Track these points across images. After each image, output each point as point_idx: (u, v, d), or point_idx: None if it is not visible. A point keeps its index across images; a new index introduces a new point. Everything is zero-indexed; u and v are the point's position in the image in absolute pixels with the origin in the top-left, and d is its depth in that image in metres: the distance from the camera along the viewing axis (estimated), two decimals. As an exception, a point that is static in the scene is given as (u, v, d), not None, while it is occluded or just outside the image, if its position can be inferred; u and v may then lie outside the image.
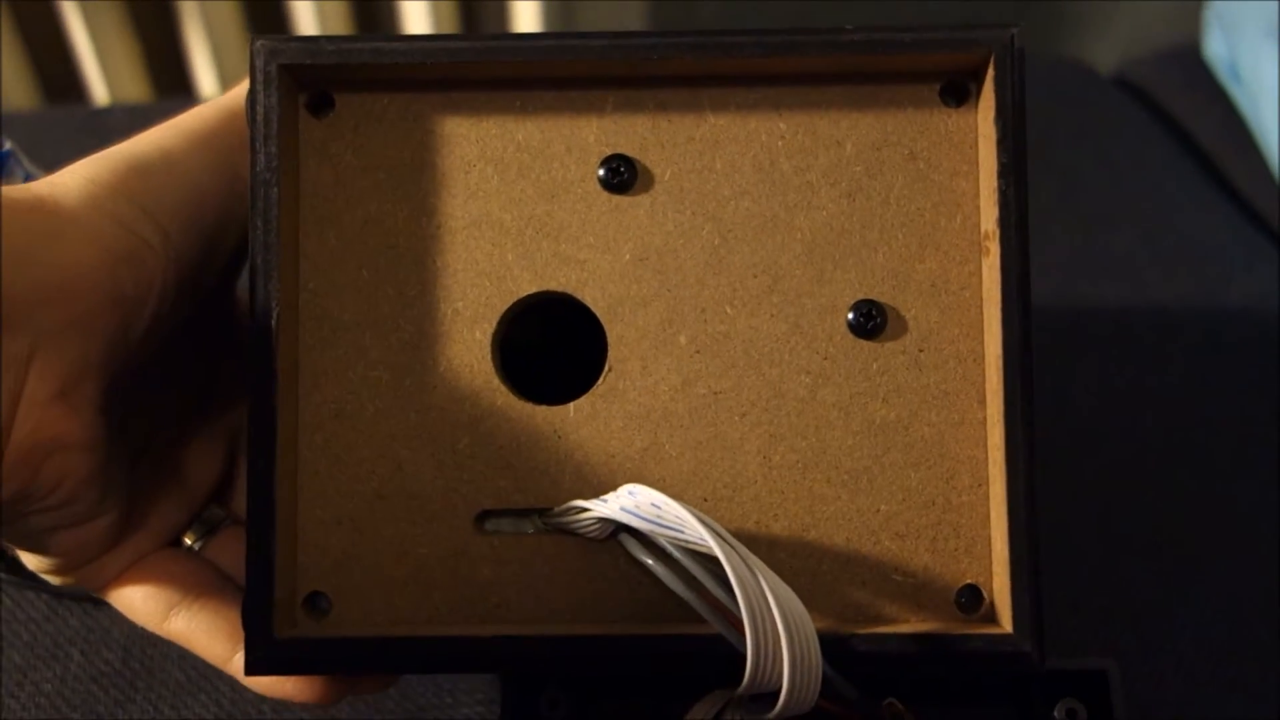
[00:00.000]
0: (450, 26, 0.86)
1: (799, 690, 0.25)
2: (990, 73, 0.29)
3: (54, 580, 0.32)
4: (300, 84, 0.30)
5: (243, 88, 0.31)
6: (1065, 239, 0.62)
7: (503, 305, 0.30)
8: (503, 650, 0.28)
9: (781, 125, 0.30)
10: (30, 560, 0.31)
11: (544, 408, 0.30)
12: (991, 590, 0.29)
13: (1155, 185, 0.66)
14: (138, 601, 0.32)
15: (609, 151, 0.30)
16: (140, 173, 0.29)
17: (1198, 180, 0.66)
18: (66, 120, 0.67)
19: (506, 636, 0.28)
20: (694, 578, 0.26)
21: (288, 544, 0.29)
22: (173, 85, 0.89)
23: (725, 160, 0.30)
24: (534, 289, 0.30)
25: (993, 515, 0.29)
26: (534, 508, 0.30)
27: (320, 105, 0.31)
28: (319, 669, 0.29)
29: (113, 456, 0.30)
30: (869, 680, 0.27)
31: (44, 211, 0.28)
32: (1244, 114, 0.68)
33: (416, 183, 0.30)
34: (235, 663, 0.32)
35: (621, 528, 0.28)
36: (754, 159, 0.30)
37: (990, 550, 0.29)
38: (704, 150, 0.30)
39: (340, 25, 0.85)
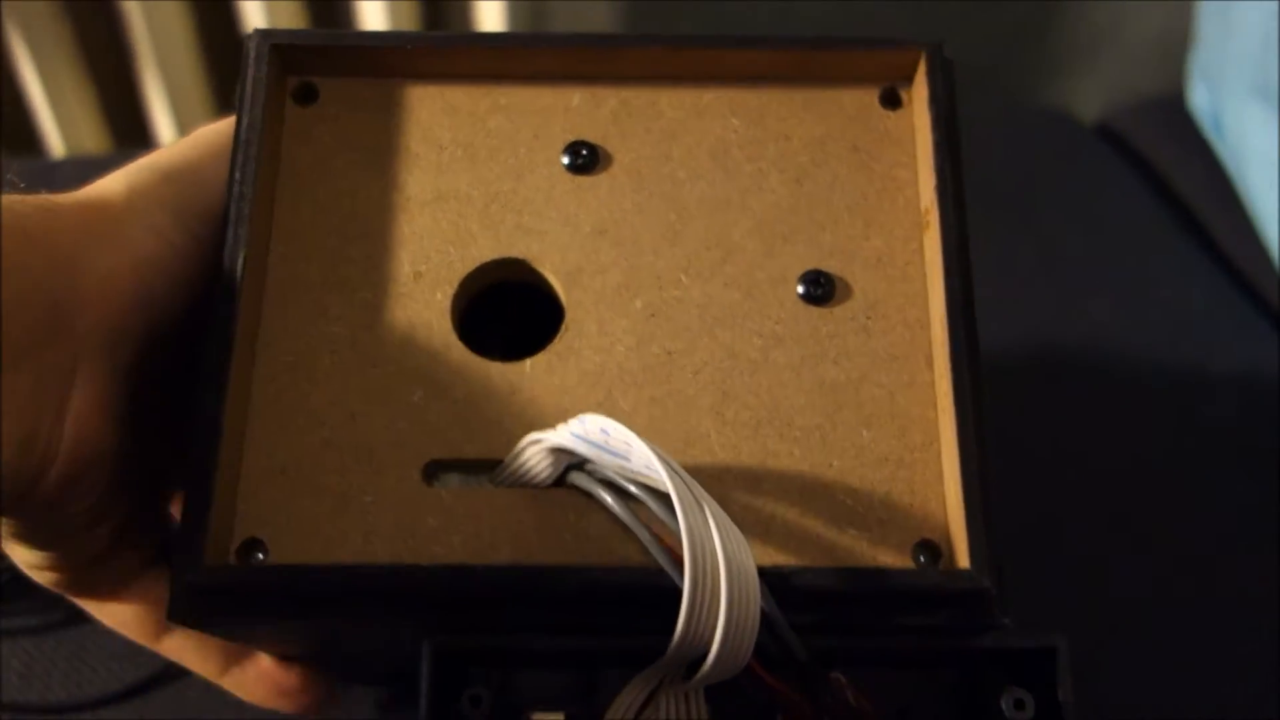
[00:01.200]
0: (411, 27, 0.90)
1: (736, 628, 0.25)
2: (922, 69, 0.34)
3: (42, 579, 0.33)
4: (288, 67, 0.34)
5: None
6: (1043, 299, 0.65)
7: (464, 270, 0.33)
8: (437, 580, 0.28)
9: (734, 121, 0.34)
10: (21, 555, 0.32)
11: (500, 364, 0.32)
12: (950, 546, 0.30)
13: (1136, 242, 0.68)
14: (130, 619, 0.34)
15: (573, 139, 0.34)
16: (170, 180, 0.32)
17: (1180, 237, 0.69)
18: (22, 172, 0.70)
19: (442, 565, 0.29)
20: (637, 501, 0.27)
21: (227, 491, 0.29)
22: (131, 136, 0.93)
23: (681, 149, 0.34)
24: (495, 255, 0.33)
25: (945, 470, 0.30)
26: (485, 458, 0.30)
27: (305, 95, 0.34)
28: (245, 607, 0.29)
29: (133, 464, 0.31)
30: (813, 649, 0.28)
31: (92, 216, 0.30)
32: (1228, 169, 0.72)
33: (389, 161, 0.34)
34: (229, 678, 0.34)
35: (570, 466, 0.29)
36: (708, 149, 0.34)
37: (945, 508, 0.30)
38: (661, 140, 0.34)
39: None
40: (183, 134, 0.88)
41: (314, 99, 0.34)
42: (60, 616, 0.48)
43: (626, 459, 0.27)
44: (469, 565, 0.29)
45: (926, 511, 0.31)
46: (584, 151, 0.34)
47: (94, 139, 0.90)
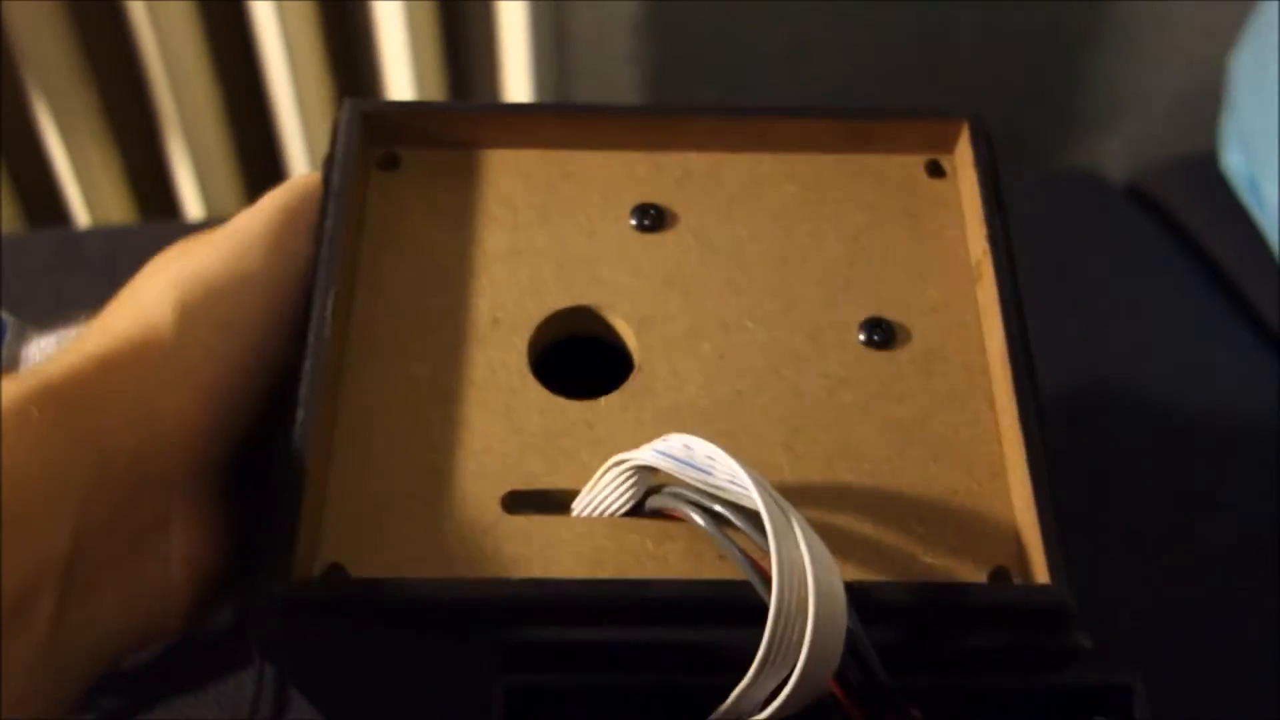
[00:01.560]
0: (439, 96, 0.92)
1: (822, 645, 0.25)
2: (965, 136, 0.36)
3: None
4: (373, 138, 0.37)
5: (291, 183, 0.35)
6: (1073, 363, 0.66)
7: (540, 316, 0.35)
8: (516, 593, 0.29)
9: (791, 187, 0.37)
10: None
11: (576, 402, 0.33)
12: (1026, 571, 0.30)
13: (1169, 305, 0.70)
14: None
15: (641, 201, 0.37)
16: (216, 294, 0.31)
17: (1214, 299, 0.70)
18: (49, 242, 0.71)
19: (521, 580, 0.29)
20: (722, 518, 0.28)
21: (312, 521, 0.30)
22: (158, 205, 0.94)
23: (743, 210, 0.37)
24: (569, 304, 0.35)
25: (1016, 498, 0.31)
26: (564, 488, 0.31)
27: (388, 163, 0.37)
28: (325, 620, 0.29)
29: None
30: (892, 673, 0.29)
31: (150, 359, 0.29)
32: (1264, 233, 0.73)
33: (467, 220, 0.36)
34: None
35: (650, 491, 0.30)
36: (768, 210, 0.37)
37: (1018, 535, 0.31)
38: (723, 202, 0.37)
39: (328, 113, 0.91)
40: (209, 205, 0.91)
41: (396, 166, 0.37)
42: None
43: (710, 473, 0.28)
44: (547, 579, 0.30)
45: (999, 539, 0.31)
46: (651, 212, 0.36)
47: (120, 208, 0.92)
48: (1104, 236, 0.73)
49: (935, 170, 0.37)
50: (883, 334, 0.34)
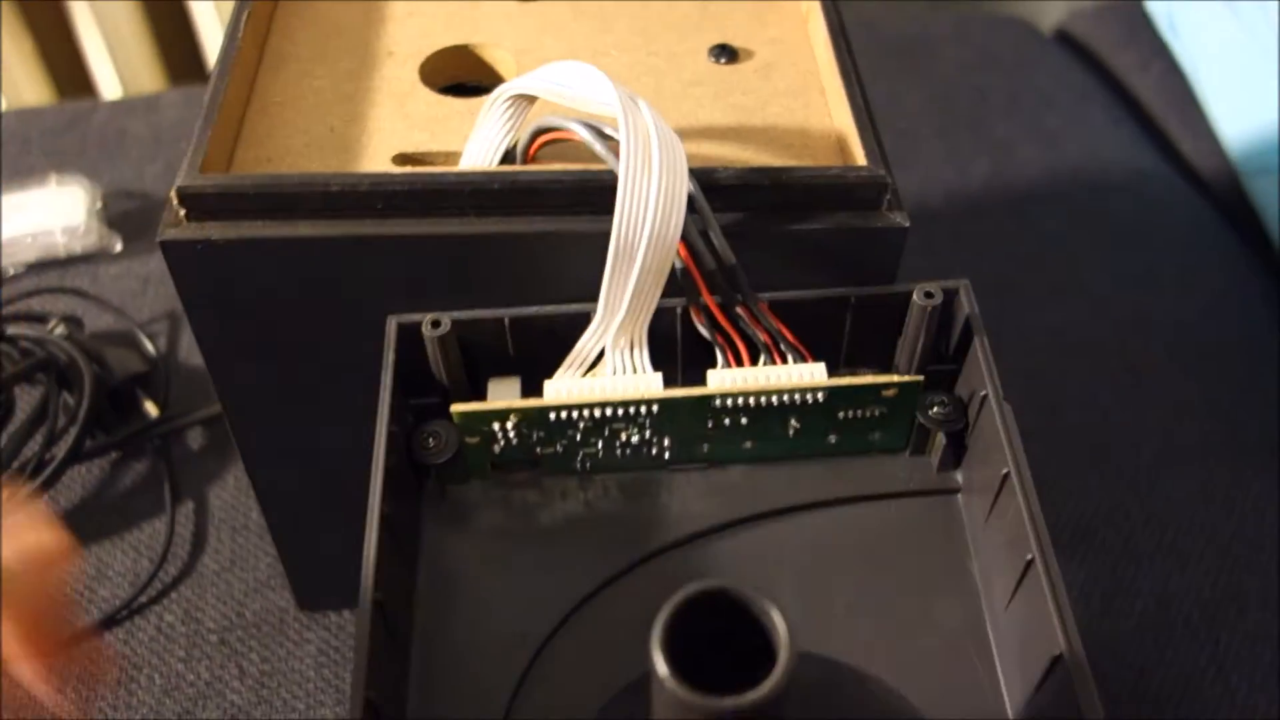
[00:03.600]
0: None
1: (668, 197, 0.30)
2: None
3: None
4: None
5: None
6: (998, 213, 0.70)
7: (430, 50, 0.40)
8: (410, 181, 0.33)
9: None
10: None
11: (461, 99, 0.38)
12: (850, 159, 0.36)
13: (1093, 151, 0.74)
14: None
15: None
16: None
17: (1139, 144, 0.75)
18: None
19: (403, 172, 0.34)
20: (592, 127, 0.32)
21: (225, 137, 0.35)
22: (74, 87, 0.97)
23: None
24: (455, 42, 0.41)
25: (838, 121, 0.38)
26: (448, 151, 0.36)
27: None
28: (231, 205, 0.33)
29: None
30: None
31: None
32: (1185, 71, 0.77)
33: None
34: None
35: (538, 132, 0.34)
36: None
37: (841, 139, 0.37)
38: None
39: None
40: (124, 84, 0.94)
41: None
42: None
43: (572, 88, 0.32)
44: (424, 171, 0.34)
45: (827, 146, 0.37)
46: None
47: (35, 90, 0.94)
48: (1030, 87, 0.77)
49: None
50: (729, 55, 0.41)
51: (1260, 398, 0.58)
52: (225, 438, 0.56)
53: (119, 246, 0.65)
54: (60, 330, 0.57)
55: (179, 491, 0.54)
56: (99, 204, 0.66)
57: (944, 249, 0.64)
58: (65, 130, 0.73)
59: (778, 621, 0.23)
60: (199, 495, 0.54)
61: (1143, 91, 0.78)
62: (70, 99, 0.95)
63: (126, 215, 0.67)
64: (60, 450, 0.52)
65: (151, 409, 0.56)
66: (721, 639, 0.24)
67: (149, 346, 0.59)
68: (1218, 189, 0.72)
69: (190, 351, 0.60)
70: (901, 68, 0.78)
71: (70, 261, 0.64)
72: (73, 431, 0.52)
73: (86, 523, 0.53)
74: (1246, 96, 0.72)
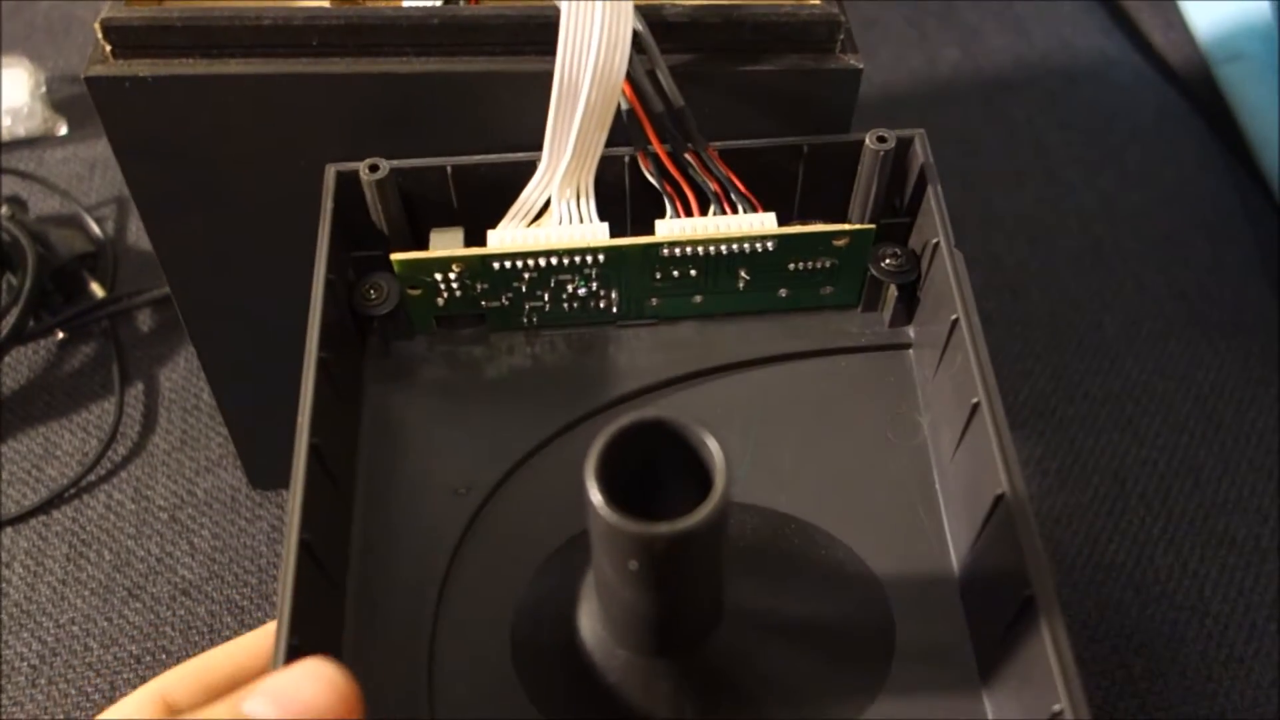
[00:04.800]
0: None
1: (612, 32, 0.28)
2: None
3: None
4: None
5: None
6: (967, 99, 0.69)
7: None
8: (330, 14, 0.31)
9: None
10: None
11: None
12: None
13: (1063, 40, 0.73)
14: None
15: None
16: None
17: (1108, 33, 0.74)
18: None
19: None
20: None
21: None
22: None
23: None
24: None
25: None
26: None
27: None
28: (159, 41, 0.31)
29: None
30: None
31: None
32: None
33: None
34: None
35: None
36: None
37: None
38: None
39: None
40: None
41: None
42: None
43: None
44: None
45: None
46: None
47: None
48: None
49: None
50: None
51: (1220, 279, 0.58)
52: (175, 321, 0.55)
53: (64, 130, 0.63)
54: (4, 211, 0.55)
55: (128, 372, 0.53)
56: (42, 87, 0.64)
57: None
58: (9, 16, 0.71)
59: (714, 450, 0.23)
60: (149, 377, 0.53)
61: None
62: None
63: (72, 100, 0.65)
64: (3, 330, 0.51)
65: (98, 290, 0.55)
66: (657, 476, 0.24)
67: (95, 229, 0.58)
68: (1186, 78, 0.71)
69: (138, 235, 0.59)
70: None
71: (14, 145, 0.63)
72: (14, 311, 0.51)
73: (33, 402, 0.52)
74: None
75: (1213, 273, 0.58)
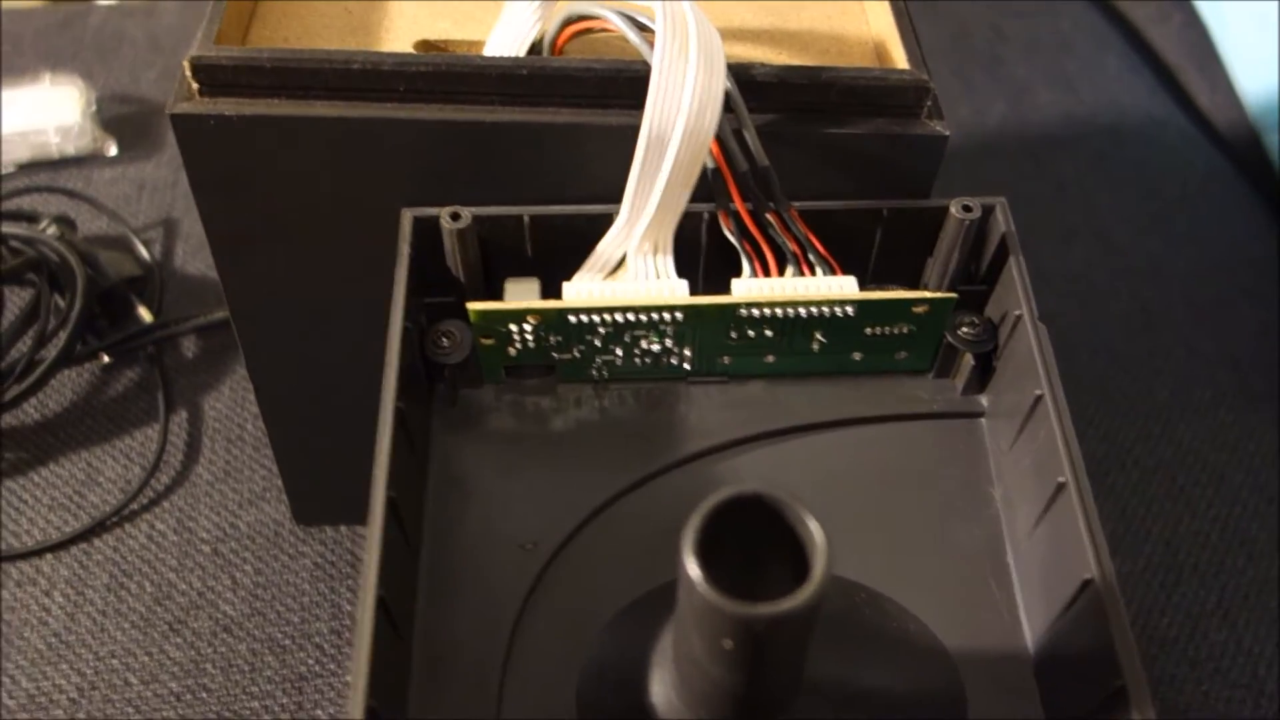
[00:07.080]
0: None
1: (703, 91, 0.28)
2: None
3: None
4: None
5: None
6: (1014, 154, 0.69)
7: None
8: (423, 62, 0.31)
9: None
10: None
11: None
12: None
13: (1110, 98, 0.73)
14: None
15: None
16: None
17: (1155, 94, 0.74)
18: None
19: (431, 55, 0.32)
20: (627, 17, 0.31)
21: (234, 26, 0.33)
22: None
23: None
24: None
25: (876, 28, 0.37)
26: (472, 39, 0.35)
27: None
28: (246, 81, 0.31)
29: None
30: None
31: None
32: (1206, 24, 0.76)
33: None
34: None
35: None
36: None
37: (885, 42, 0.36)
38: None
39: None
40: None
41: None
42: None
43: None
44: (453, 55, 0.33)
45: (866, 49, 0.36)
46: None
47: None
48: (1048, 35, 0.76)
49: None
50: None
51: (1270, 349, 0.57)
52: (221, 348, 0.55)
53: (113, 150, 0.63)
54: (52, 230, 0.55)
55: (172, 400, 0.53)
56: (93, 106, 0.64)
57: (960, 189, 0.63)
58: (59, 31, 0.71)
59: (814, 529, 0.22)
60: (193, 405, 0.53)
61: (1161, 42, 0.77)
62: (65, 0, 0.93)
63: (121, 120, 0.65)
64: (51, 352, 0.51)
65: (145, 315, 0.55)
66: (751, 550, 0.23)
67: (144, 251, 0.58)
68: (1233, 142, 0.71)
69: (186, 259, 0.58)
70: (920, 5, 0.76)
71: (63, 163, 0.63)
72: (63, 334, 0.51)
73: (77, 427, 0.52)
74: (1267, 52, 0.71)
75: (1261, 341, 0.58)
